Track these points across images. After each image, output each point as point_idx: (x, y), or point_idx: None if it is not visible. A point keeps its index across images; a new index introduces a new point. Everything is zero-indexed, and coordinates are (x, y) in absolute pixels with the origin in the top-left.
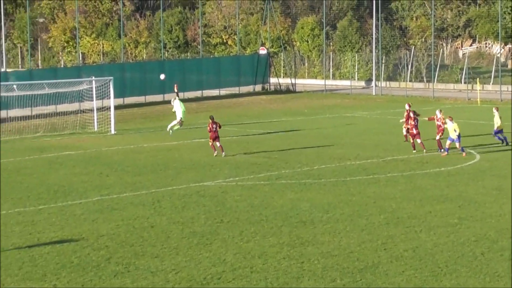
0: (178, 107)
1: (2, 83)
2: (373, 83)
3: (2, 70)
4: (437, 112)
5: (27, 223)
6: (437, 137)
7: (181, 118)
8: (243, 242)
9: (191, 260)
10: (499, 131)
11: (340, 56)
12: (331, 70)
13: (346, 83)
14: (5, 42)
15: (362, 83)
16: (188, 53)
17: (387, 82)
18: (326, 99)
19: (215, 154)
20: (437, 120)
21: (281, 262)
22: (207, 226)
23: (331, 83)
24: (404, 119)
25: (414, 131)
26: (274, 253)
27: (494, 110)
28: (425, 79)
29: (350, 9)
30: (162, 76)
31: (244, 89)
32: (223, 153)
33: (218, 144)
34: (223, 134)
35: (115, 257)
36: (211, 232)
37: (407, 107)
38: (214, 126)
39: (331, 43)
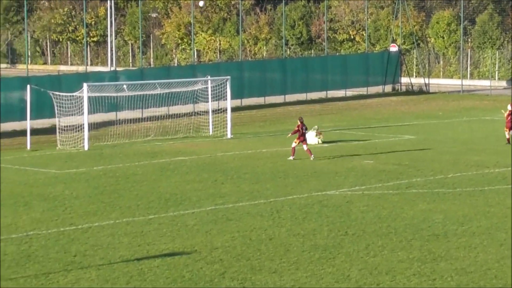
0: None
1: (111, 83)
2: None
3: (112, 68)
4: None
5: (136, 234)
6: None
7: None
8: (369, 257)
9: (313, 275)
10: None
11: (479, 53)
12: (468, 69)
13: (485, 83)
14: (115, 39)
15: (503, 83)
16: (312, 51)
17: None
18: (463, 101)
19: (291, 158)
20: None
21: (411, 279)
22: (330, 239)
23: (468, 83)
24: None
25: None
26: (403, 269)
27: None
28: None
29: (491, 1)
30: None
31: (373, 89)
32: (312, 156)
33: (305, 147)
34: (349, 138)
35: (230, 271)
36: (335, 245)
37: (509, 107)
38: (303, 127)
39: (469, 39)
